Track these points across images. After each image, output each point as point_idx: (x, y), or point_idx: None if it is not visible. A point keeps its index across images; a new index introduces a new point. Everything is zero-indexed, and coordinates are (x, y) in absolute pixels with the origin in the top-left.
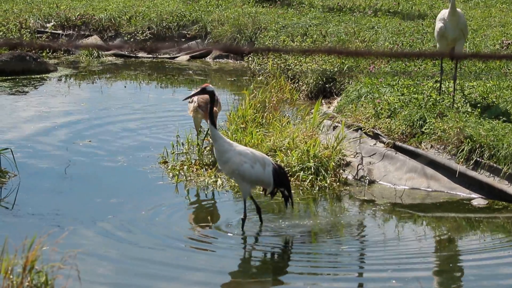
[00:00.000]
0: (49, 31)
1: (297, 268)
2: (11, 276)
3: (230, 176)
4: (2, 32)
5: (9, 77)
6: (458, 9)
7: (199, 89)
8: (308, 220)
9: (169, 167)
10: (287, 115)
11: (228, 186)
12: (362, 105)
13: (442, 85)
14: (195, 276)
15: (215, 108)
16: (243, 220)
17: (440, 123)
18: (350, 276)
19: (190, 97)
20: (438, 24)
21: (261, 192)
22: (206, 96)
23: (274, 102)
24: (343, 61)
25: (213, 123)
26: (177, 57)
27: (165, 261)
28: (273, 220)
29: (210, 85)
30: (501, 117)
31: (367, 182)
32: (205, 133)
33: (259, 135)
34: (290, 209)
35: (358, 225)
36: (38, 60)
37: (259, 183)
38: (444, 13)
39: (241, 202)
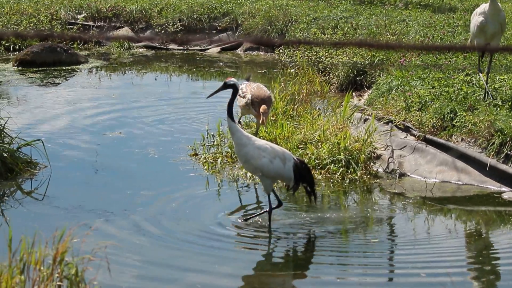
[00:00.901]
0: (80, 22)
1: (326, 259)
2: (41, 268)
3: (250, 171)
4: (33, 24)
5: (40, 69)
6: (498, 4)
7: (221, 85)
8: (338, 213)
9: (201, 159)
10: (318, 107)
11: (258, 179)
12: (393, 98)
13: (473, 78)
14: (224, 268)
15: (264, 106)
16: (269, 213)
17: (471, 116)
18: (379, 269)
19: (213, 94)
20: (478, 18)
21: (280, 186)
22: (262, 94)
23: (304, 94)
24: (374, 53)
25: (231, 115)
26: (208, 49)
27: (194, 253)
28: (302, 213)
29: (233, 79)
30: None
31: (397, 175)
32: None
33: (289, 127)
34: (318, 203)
35: (388, 218)
36: (69, 51)
37: (279, 178)
38: (484, 7)
39: (272, 195)
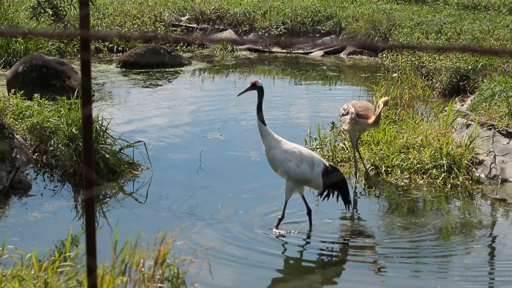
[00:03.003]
0: (184, 24)
1: (428, 266)
2: (142, 269)
3: (279, 174)
4: (137, 25)
5: (143, 70)
6: None
7: (249, 86)
8: (439, 218)
9: None
10: (420, 112)
11: (363, 184)
12: (496, 103)
13: None
14: (318, 274)
15: (385, 98)
16: (280, 220)
17: None
18: (480, 275)
19: (243, 93)
20: None
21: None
22: (365, 104)
23: (407, 99)
24: (477, 59)
25: (261, 119)
26: (311, 52)
27: (292, 258)
28: (403, 217)
29: (259, 81)
30: None
31: (499, 181)
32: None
33: (392, 132)
34: (419, 208)
35: (490, 224)
36: (172, 53)
37: (306, 183)
38: None
39: (375, 201)
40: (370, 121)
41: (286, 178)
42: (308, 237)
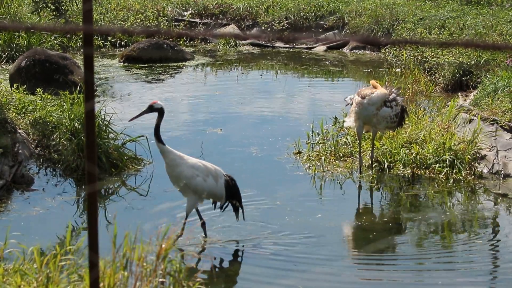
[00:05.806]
0: (187, 19)
1: (429, 261)
2: (144, 264)
3: (182, 191)
4: (139, 20)
5: (146, 65)
6: None
7: (146, 108)
8: (441, 214)
9: (305, 157)
10: (423, 107)
11: (366, 179)
12: (499, 98)
13: None
14: (326, 268)
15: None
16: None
17: None
18: (483, 270)
19: (137, 117)
20: None
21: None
22: (364, 89)
23: (410, 94)
24: (480, 54)
25: (159, 138)
26: (314, 47)
27: (296, 254)
28: (406, 211)
29: (158, 102)
30: None
31: (502, 176)
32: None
33: None
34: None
35: (492, 219)
36: (175, 48)
37: (211, 196)
38: None
39: (377, 196)
40: (376, 90)
41: (191, 194)
42: (305, 229)
